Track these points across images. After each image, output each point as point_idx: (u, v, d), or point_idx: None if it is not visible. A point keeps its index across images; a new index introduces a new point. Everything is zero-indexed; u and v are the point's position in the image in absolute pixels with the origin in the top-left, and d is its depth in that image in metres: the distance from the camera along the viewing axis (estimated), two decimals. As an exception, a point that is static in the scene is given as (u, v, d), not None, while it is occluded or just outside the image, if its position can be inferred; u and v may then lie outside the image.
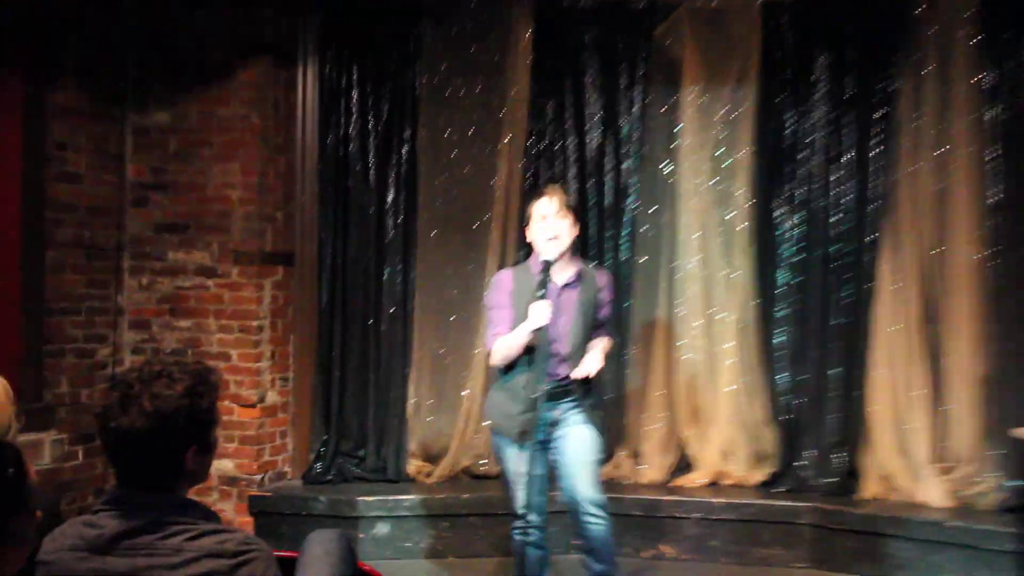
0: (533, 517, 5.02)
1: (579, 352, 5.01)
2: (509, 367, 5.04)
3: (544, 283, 4.82)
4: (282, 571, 2.56)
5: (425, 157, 7.21)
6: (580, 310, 5.02)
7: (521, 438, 4.92)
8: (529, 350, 4.89)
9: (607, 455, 7.03)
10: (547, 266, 4.90)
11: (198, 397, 2.52)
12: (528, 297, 4.94)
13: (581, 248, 6.91)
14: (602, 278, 5.21)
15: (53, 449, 6.22)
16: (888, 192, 6.71)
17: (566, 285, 5.03)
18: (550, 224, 4.96)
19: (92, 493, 6.39)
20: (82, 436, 6.38)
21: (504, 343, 4.95)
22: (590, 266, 5.37)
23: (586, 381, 5.05)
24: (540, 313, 4.77)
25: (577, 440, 5.00)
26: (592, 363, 5.02)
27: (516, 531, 5.00)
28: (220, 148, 6.73)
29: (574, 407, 5.03)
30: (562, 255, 4.98)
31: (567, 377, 4.99)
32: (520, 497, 4.93)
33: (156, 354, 6.63)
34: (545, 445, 5.04)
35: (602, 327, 5.20)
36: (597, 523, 4.96)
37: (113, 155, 6.70)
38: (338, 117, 7.09)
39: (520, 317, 4.95)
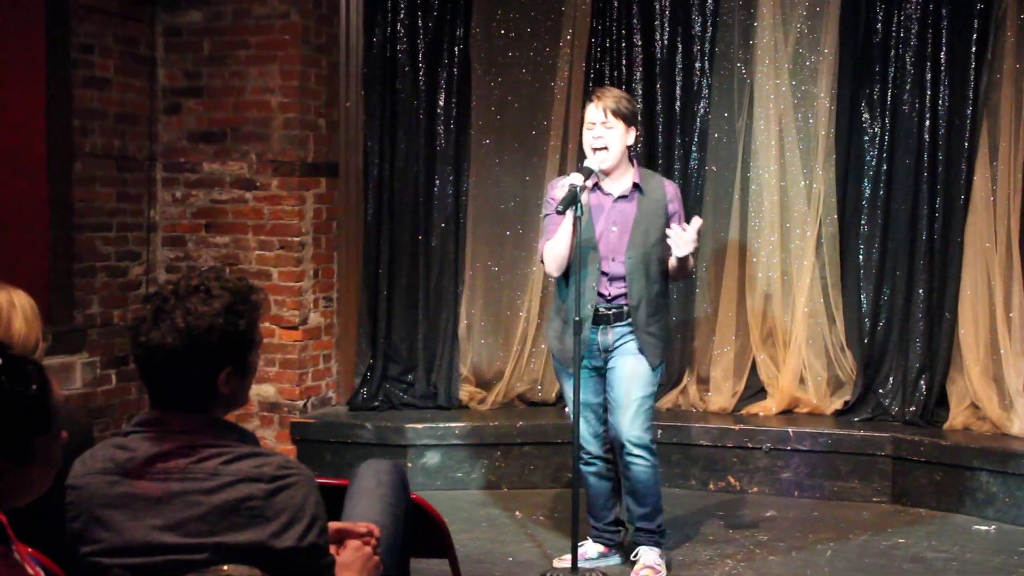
0: (591, 447, 5.20)
1: (636, 271, 5.01)
2: (562, 288, 5.12)
3: (573, 198, 4.78)
4: (326, 500, 2.63)
5: (479, 58, 7.27)
6: (638, 225, 5.02)
7: (570, 363, 5.03)
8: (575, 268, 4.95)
9: (674, 381, 7.12)
10: (587, 174, 4.91)
11: (236, 316, 2.57)
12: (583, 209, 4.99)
13: (648, 157, 6.94)
14: (670, 189, 5.17)
15: (84, 372, 6.42)
16: (987, 94, 6.65)
17: (621, 197, 5.06)
18: (597, 133, 5.00)
19: (126, 419, 6.53)
20: (115, 359, 6.60)
21: (550, 245, 4.99)
22: (655, 176, 5.34)
23: (648, 304, 5.04)
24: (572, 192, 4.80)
25: (624, 373, 5.05)
26: (686, 239, 4.88)
27: (579, 461, 5.16)
28: (257, 49, 6.82)
29: (628, 332, 5.05)
30: (612, 168, 5.02)
31: (618, 298, 5.03)
32: (578, 425, 5.04)
33: (195, 270, 6.76)
34: (599, 371, 5.14)
35: None
36: (639, 464, 5.06)
37: (143, 58, 6.83)
38: (385, 14, 7.13)
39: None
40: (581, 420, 5.06)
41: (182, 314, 2.52)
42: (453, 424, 6.80)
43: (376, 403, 7.09)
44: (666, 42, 7.16)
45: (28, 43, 6.16)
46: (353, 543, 2.88)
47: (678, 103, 7.17)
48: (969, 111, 6.66)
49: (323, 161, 7.02)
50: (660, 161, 7.06)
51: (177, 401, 2.58)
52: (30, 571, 2.22)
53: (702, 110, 7.16)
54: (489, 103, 7.29)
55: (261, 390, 6.84)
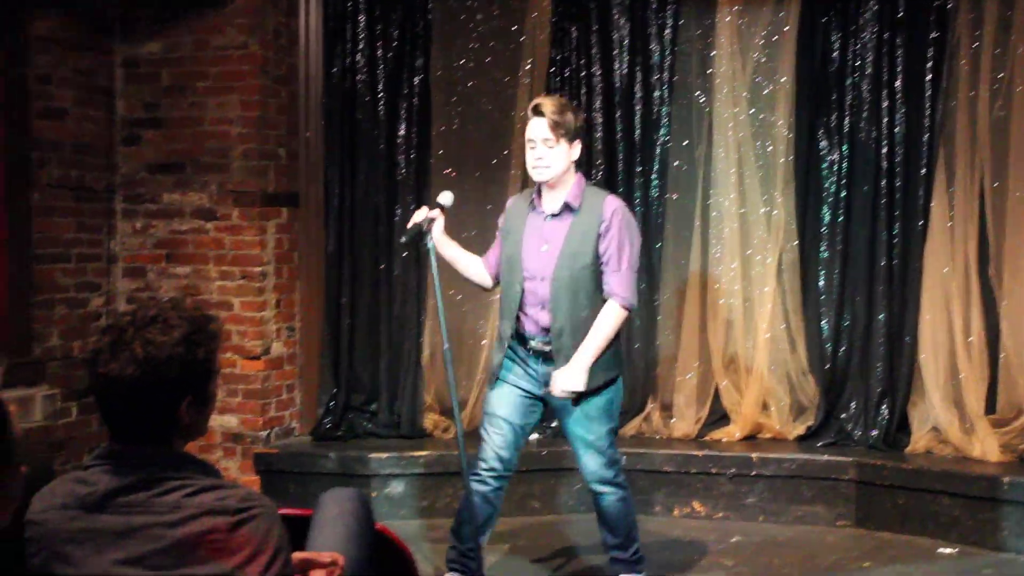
0: (490, 465, 4.99)
1: (561, 294, 4.80)
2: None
3: (414, 237, 5.00)
4: (290, 530, 2.59)
5: (439, 88, 7.25)
6: (567, 245, 4.82)
7: (493, 378, 5.02)
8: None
9: (638, 408, 7.10)
10: (439, 207, 5.02)
11: (195, 346, 2.53)
12: (517, 227, 4.96)
13: (608, 186, 6.93)
14: (608, 207, 4.83)
15: (44, 406, 6.32)
16: (943, 121, 6.68)
17: (553, 215, 4.88)
18: (538, 153, 4.80)
19: (87, 452, 6.47)
20: (76, 392, 6.49)
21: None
22: (600, 193, 5.00)
23: (575, 330, 4.82)
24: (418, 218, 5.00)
25: (575, 416, 4.89)
26: (571, 378, 4.77)
27: (474, 475, 4.97)
28: (217, 80, 6.78)
29: None
30: (555, 183, 4.84)
31: (548, 331, 4.87)
32: (484, 439, 4.97)
33: (153, 300, 6.69)
34: (532, 396, 4.99)
35: (611, 274, 4.82)
36: (606, 495, 4.98)
37: (101, 89, 6.76)
38: (344, 45, 7.11)
39: (506, 245, 5.01)
40: (492, 433, 4.96)
41: (141, 344, 2.47)
42: (417, 453, 6.75)
43: (339, 433, 7.03)
44: (625, 71, 7.16)
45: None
46: (317, 573, 2.83)
47: (638, 132, 7.16)
48: (926, 138, 6.68)
49: (284, 191, 6.97)
50: (620, 189, 7.02)
51: (137, 433, 2.52)
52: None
53: (662, 139, 7.15)
54: (449, 132, 7.28)
55: (224, 421, 6.77)
